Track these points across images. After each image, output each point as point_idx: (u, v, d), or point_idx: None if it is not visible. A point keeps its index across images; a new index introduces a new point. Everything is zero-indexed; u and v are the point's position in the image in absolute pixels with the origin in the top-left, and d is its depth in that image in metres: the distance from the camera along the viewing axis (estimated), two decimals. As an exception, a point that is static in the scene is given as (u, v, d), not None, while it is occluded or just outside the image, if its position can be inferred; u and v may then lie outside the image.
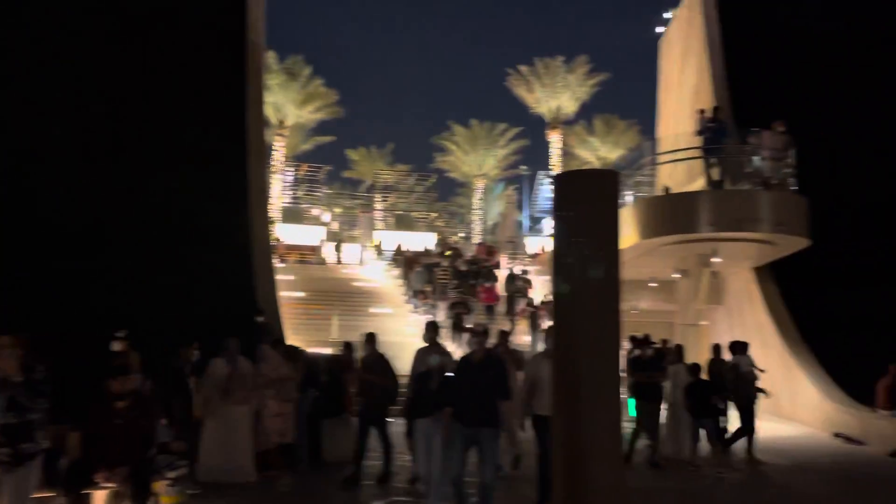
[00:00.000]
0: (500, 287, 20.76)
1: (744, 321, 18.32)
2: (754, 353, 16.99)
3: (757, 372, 11.85)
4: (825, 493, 9.08)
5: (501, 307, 20.20)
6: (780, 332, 16.34)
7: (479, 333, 6.95)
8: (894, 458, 11.65)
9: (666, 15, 26.87)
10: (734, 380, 11.48)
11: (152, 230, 15.11)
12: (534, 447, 7.39)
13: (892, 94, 19.74)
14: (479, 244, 30.61)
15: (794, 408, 15.72)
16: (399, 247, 28.71)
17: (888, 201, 18.53)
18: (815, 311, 16.59)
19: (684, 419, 10.77)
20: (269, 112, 37.48)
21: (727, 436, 11.08)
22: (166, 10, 17.78)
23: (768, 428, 13.56)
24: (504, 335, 10.19)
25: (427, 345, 8.41)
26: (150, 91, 16.82)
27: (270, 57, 37.66)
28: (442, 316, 18.75)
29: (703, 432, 10.34)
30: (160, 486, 6.46)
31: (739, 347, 11.94)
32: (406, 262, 23.58)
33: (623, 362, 13.31)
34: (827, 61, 20.80)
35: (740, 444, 11.22)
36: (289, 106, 38.75)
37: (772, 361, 16.63)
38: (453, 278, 21.14)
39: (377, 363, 8.91)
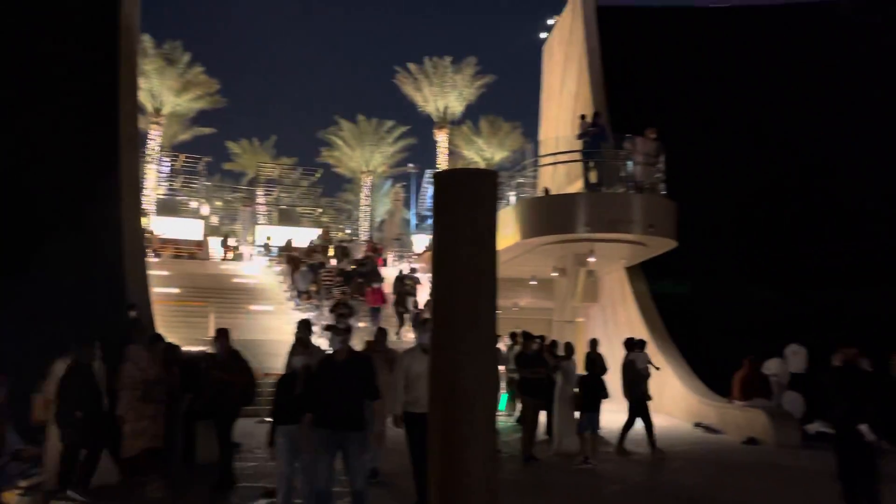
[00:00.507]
0: (389, 286, 20.75)
1: (616, 318, 19.23)
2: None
3: (651, 369, 12.32)
4: (687, 479, 9.67)
5: (390, 308, 20.18)
6: (648, 329, 17.25)
7: (342, 331, 6.43)
8: (747, 445, 12.58)
9: (549, 21, 27.72)
10: (630, 375, 11.88)
11: (15, 219, 14.01)
12: (406, 447, 7.14)
13: (755, 104, 21.33)
14: (367, 241, 30.45)
15: (661, 400, 16.62)
16: (290, 242, 28.00)
17: (749, 206, 20.00)
18: (680, 308, 17.67)
19: (571, 413, 11.05)
20: (145, 99, 35.61)
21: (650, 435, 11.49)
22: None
23: (638, 420, 14.31)
24: (382, 333, 10.01)
25: (297, 345, 8.04)
26: (15, 73, 15.59)
27: (146, 41, 35.77)
28: (326, 316, 18.49)
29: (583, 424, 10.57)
30: (10, 496, 5.99)
31: (638, 344, 12.29)
32: (290, 260, 22.96)
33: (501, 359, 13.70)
34: (696, 72, 22.21)
35: (613, 435, 11.73)
36: (166, 93, 36.95)
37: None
38: (337, 277, 20.92)
39: (231, 361, 8.46)
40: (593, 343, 12.10)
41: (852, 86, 21.30)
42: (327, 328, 6.42)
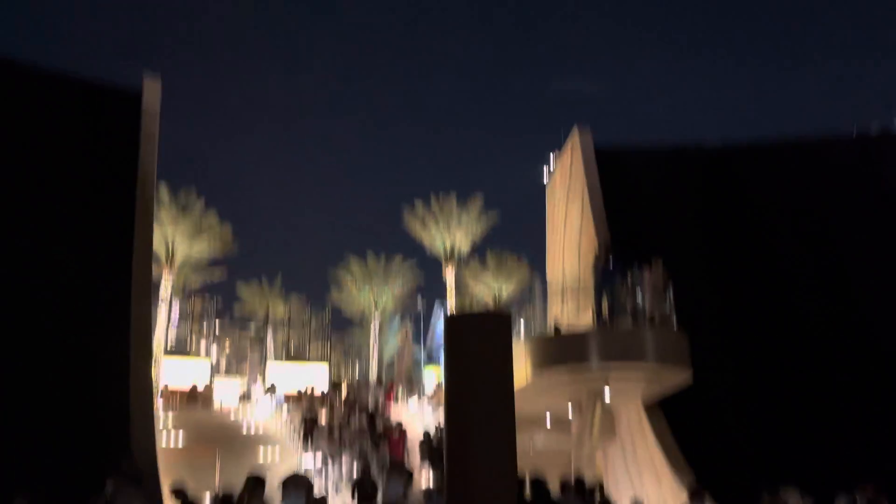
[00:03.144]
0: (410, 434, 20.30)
1: (637, 456, 18.54)
2: (648, 488, 17.14)
3: None
4: None
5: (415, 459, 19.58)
6: (671, 467, 16.57)
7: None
8: None
9: (551, 160, 28.77)
10: None
11: (24, 361, 13.99)
12: None
13: (753, 237, 21.65)
14: (377, 382, 30.04)
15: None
16: (306, 389, 27.64)
17: (763, 337, 19.80)
18: (703, 442, 17.07)
19: None
20: (158, 246, 36.40)
21: None
22: (57, 141, 17.45)
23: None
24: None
25: None
26: (35, 222, 16.14)
27: (162, 190, 37.10)
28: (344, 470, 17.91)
29: None
30: None
31: (700, 493, 11.67)
32: (307, 423, 20.98)
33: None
34: (696, 207, 22.74)
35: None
36: (180, 239, 37.87)
37: (666, 496, 16.77)
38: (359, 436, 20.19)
39: None
40: None
41: (851, 220, 21.68)
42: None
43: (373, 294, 47.33)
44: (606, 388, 16.32)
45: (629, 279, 16.41)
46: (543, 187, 29.27)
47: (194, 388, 29.78)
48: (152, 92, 19.71)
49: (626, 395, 17.20)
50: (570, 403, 17.94)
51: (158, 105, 19.70)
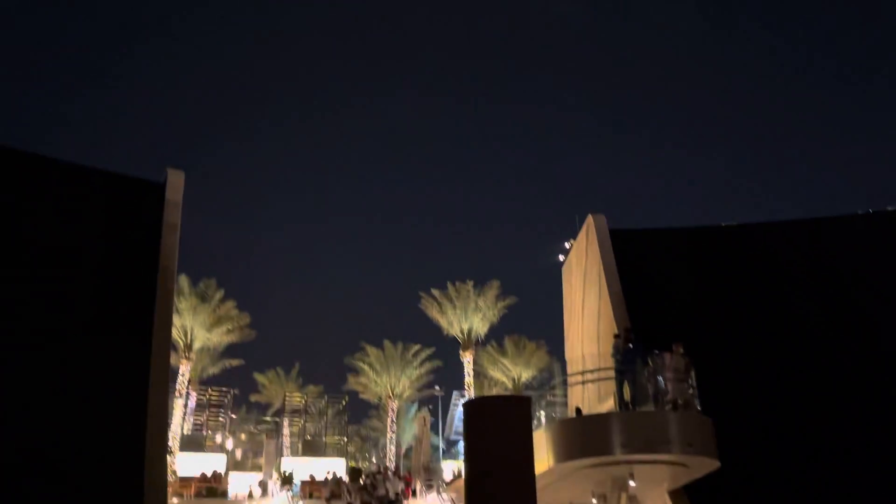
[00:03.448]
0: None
1: (666, 549, 17.76)
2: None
3: None
4: None
5: None
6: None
7: None
8: None
9: (566, 245, 28.89)
10: None
11: (42, 460, 13.84)
12: None
13: (781, 311, 21.35)
14: (395, 471, 29.29)
15: None
16: (326, 476, 27.03)
17: (787, 414, 19.24)
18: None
19: None
20: (177, 335, 36.50)
21: None
22: (81, 230, 17.82)
23: None
24: None
25: None
26: (56, 308, 16.30)
27: (182, 281, 37.50)
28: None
29: None
30: None
31: None
32: None
33: None
34: (711, 287, 22.58)
35: None
36: (198, 329, 37.97)
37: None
38: None
39: None
40: None
41: (875, 294, 21.42)
42: None
43: (390, 382, 46.80)
44: (631, 482, 15.80)
45: (650, 363, 16.16)
46: (560, 273, 29.28)
47: (208, 476, 29.15)
48: (175, 184, 20.25)
49: (650, 481, 16.63)
50: (593, 493, 17.37)
51: (181, 196, 20.18)
